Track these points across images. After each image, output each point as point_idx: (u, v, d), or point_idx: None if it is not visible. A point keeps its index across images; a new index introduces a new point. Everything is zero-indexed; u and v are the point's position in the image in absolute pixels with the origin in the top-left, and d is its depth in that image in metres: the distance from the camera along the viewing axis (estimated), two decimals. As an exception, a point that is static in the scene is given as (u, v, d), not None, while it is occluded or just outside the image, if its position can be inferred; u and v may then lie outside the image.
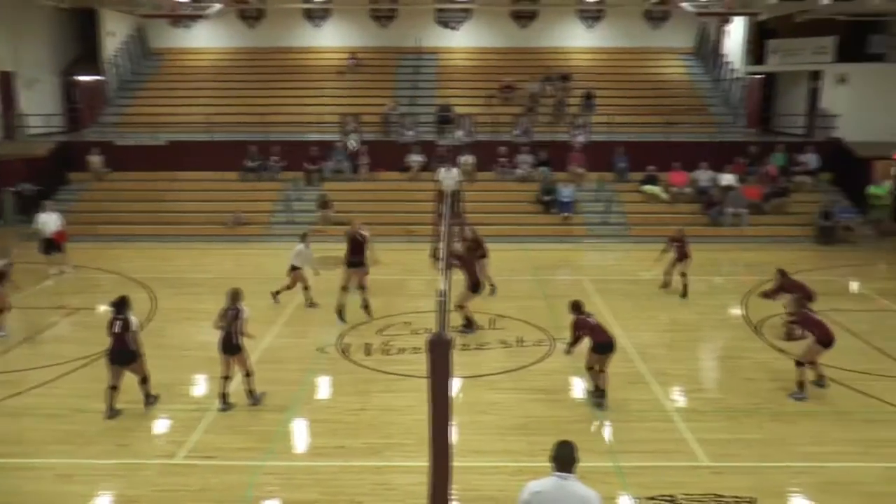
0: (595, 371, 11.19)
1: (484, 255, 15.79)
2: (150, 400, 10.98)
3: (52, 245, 18.47)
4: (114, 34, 30.04)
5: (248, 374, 10.99)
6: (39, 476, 9.11)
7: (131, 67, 30.98)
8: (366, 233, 15.05)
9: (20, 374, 12.28)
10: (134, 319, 10.76)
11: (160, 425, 10.57)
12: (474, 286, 13.97)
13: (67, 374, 11.57)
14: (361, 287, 15.09)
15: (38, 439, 10.07)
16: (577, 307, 11.37)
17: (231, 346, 10.76)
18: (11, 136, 25.94)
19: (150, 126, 26.01)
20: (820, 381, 11.67)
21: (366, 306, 15.07)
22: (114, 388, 10.61)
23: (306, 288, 15.87)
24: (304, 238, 16.05)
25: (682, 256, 17.02)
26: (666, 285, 17.30)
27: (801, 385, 11.35)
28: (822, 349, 11.35)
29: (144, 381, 10.93)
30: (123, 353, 10.57)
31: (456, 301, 13.53)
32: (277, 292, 15.95)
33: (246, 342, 10.96)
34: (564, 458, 5.70)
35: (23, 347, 13.75)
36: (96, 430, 10.26)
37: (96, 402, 11.04)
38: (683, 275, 16.94)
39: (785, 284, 14.08)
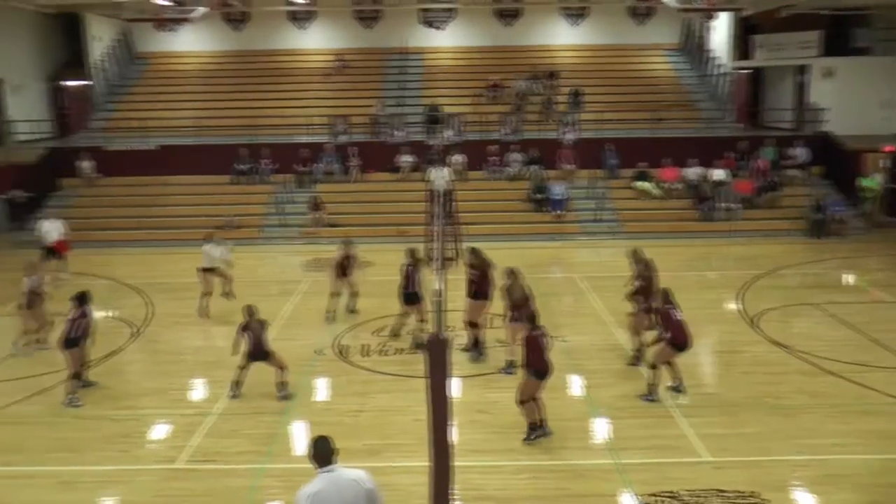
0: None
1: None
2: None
3: (51, 253, 18.29)
4: (100, 39, 29.93)
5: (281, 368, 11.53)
6: (40, 484, 9.09)
7: (118, 72, 30.86)
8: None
9: (19, 381, 12.21)
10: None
11: (160, 431, 10.54)
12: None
13: (66, 382, 11.49)
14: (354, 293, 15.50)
15: (39, 447, 10.03)
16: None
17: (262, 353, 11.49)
18: (1, 143, 25.74)
19: (138, 130, 25.90)
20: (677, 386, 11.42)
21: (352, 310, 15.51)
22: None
23: (208, 294, 15.66)
24: (210, 238, 15.97)
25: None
26: None
27: (651, 388, 11.18)
28: (675, 352, 11.14)
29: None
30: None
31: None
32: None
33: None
34: (324, 454, 5.72)
35: (21, 355, 13.67)
36: (96, 437, 10.25)
37: (96, 408, 11.13)
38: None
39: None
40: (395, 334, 14.02)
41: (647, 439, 9.95)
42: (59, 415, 10.97)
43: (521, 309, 11.66)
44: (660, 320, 11.40)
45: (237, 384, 11.44)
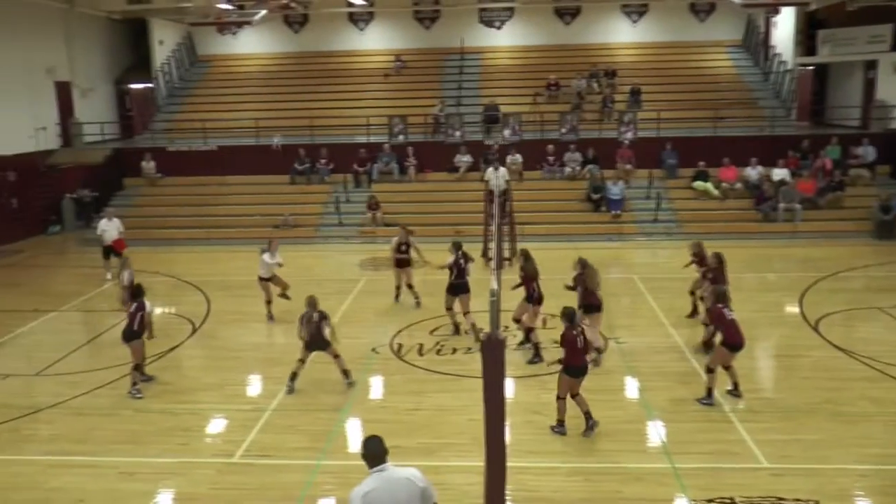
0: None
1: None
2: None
3: (111, 251, 18.74)
4: (163, 43, 30.69)
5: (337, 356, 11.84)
6: (103, 474, 9.35)
7: (180, 74, 31.60)
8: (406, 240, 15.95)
9: (84, 374, 12.61)
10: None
11: (218, 425, 10.77)
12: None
13: (129, 375, 11.82)
14: (409, 285, 16.02)
15: (102, 438, 10.33)
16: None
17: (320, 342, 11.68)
18: (69, 144, 26.60)
19: (199, 132, 26.48)
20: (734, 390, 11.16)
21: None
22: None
23: (269, 301, 15.42)
24: (267, 248, 15.48)
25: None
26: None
27: (709, 391, 10.97)
28: (730, 353, 10.91)
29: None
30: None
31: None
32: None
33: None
34: (376, 453, 5.70)
35: (86, 349, 14.14)
36: (157, 430, 10.51)
37: (157, 402, 11.40)
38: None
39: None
40: (456, 329, 14.22)
41: (703, 444, 9.78)
42: (121, 407, 11.27)
43: (588, 300, 12.06)
44: (712, 319, 11.24)
45: (293, 376, 11.63)
